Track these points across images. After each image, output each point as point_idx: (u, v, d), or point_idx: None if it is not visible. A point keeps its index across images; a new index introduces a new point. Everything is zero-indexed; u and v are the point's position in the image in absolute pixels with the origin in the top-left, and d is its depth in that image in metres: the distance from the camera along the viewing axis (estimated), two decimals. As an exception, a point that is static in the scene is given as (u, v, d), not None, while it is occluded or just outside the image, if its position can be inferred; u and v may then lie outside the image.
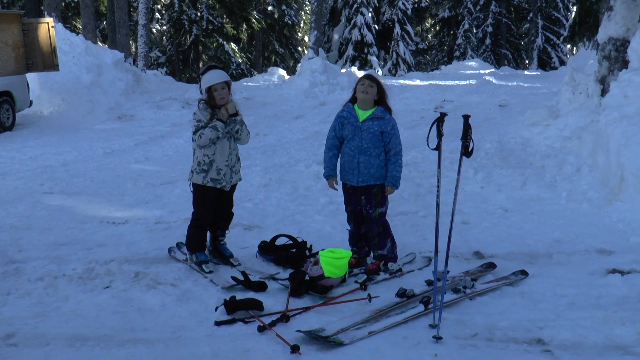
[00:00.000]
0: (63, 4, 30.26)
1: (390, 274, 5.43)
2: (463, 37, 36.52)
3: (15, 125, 14.71)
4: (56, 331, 4.38)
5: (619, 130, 7.47)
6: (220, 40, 33.83)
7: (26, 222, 7.20)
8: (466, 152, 4.67)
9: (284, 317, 4.50)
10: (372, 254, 5.66)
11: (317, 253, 5.47)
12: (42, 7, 23.35)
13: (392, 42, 33.16)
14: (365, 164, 5.38)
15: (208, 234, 5.84)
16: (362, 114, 5.39)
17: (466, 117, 4.64)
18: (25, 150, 11.78)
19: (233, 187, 5.80)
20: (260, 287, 5.09)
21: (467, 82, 21.89)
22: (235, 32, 35.11)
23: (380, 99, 5.40)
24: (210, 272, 5.46)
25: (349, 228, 5.78)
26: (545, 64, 35.70)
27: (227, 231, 5.93)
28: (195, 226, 5.67)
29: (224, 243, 5.87)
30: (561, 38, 32.58)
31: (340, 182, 5.67)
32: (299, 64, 22.35)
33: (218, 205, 5.71)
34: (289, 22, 37.29)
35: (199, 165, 5.54)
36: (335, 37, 33.01)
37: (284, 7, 36.43)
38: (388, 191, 5.42)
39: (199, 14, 32.49)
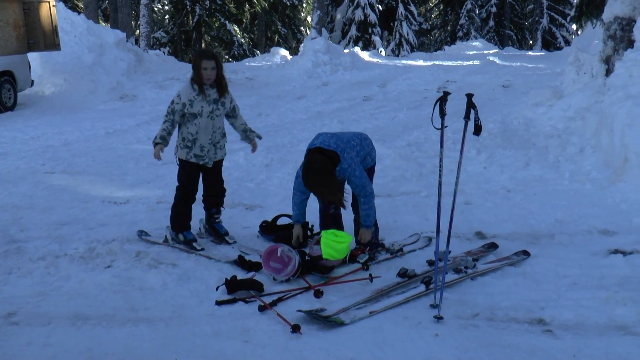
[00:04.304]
0: (64, -17, 30.00)
1: (391, 253, 5.42)
2: (466, 17, 36.17)
3: (17, 105, 14.68)
4: (57, 310, 4.40)
5: (623, 110, 7.41)
6: (223, 20, 33.60)
7: (28, 202, 7.21)
8: (476, 130, 4.62)
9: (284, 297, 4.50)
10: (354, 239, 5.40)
11: (319, 233, 5.45)
12: (43, -14, 23.16)
13: (396, 22, 32.91)
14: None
15: (204, 212, 5.84)
16: None
17: (469, 96, 4.58)
18: (26, 130, 11.77)
19: (218, 164, 5.77)
20: (260, 267, 5.09)
21: (471, 62, 21.71)
22: (238, 12, 34.84)
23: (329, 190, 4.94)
24: (202, 249, 5.47)
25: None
26: (549, 45, 35.37)
27: (222, 208, 5.92)
28: (179, 202, 5.65)
29: (219, 221, 5.87)
30: (568, 18, 32.19)
31: None
32: (302, 44, 22.21)
33: (206, 182, 5.72)
34: (292, 2, 36.98)
35: (183, 140, 5.55)
36: (339, 17, 32.75)
37: (286, -14, 36.18)
38: (362, 235, 5.17)
39: (200, -7, 32.27)
